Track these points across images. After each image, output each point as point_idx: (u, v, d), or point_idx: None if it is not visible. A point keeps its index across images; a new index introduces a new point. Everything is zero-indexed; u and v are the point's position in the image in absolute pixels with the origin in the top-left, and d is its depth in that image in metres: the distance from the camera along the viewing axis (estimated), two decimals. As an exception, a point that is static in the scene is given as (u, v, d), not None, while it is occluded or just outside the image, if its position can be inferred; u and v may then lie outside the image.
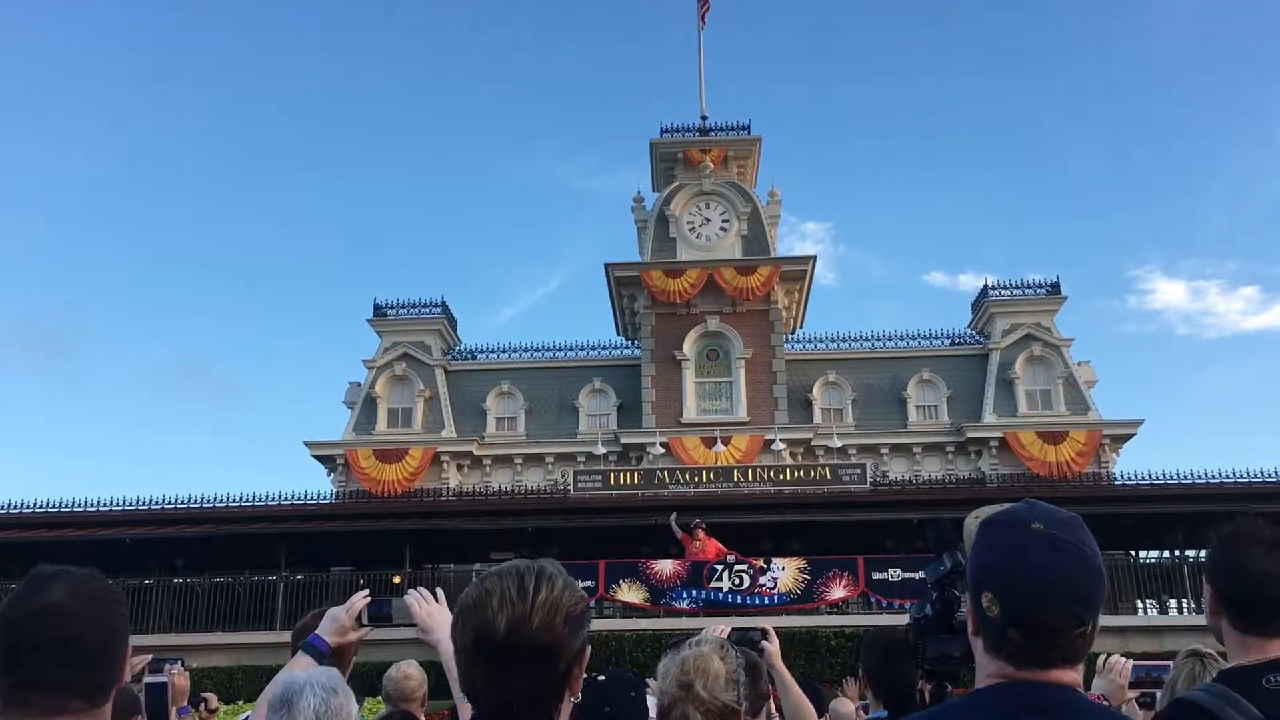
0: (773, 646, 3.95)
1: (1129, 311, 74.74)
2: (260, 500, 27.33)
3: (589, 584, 22.34)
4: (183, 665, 4.68)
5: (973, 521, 2.29)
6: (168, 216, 78.12)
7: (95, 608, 1.86)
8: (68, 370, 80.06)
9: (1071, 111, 74.76)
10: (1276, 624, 2.60)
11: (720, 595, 22.46)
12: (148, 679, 3.92)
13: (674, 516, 22.65)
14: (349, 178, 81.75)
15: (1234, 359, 78.48)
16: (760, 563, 23.01)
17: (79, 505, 27.05)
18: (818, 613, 22.60)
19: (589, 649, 1.91)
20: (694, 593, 22.57)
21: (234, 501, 27.30)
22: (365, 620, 2.93)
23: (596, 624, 22.03)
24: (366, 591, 3.00)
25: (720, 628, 3.45)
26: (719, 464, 29.95)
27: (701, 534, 22.69)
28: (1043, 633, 1.70)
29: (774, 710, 4.30)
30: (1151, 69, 76.48)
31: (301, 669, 2.84)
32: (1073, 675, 1.74)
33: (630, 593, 22.88)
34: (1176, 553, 25.56)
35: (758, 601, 22.38)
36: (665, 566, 23.01)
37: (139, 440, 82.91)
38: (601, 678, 2.95)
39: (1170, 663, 4.03)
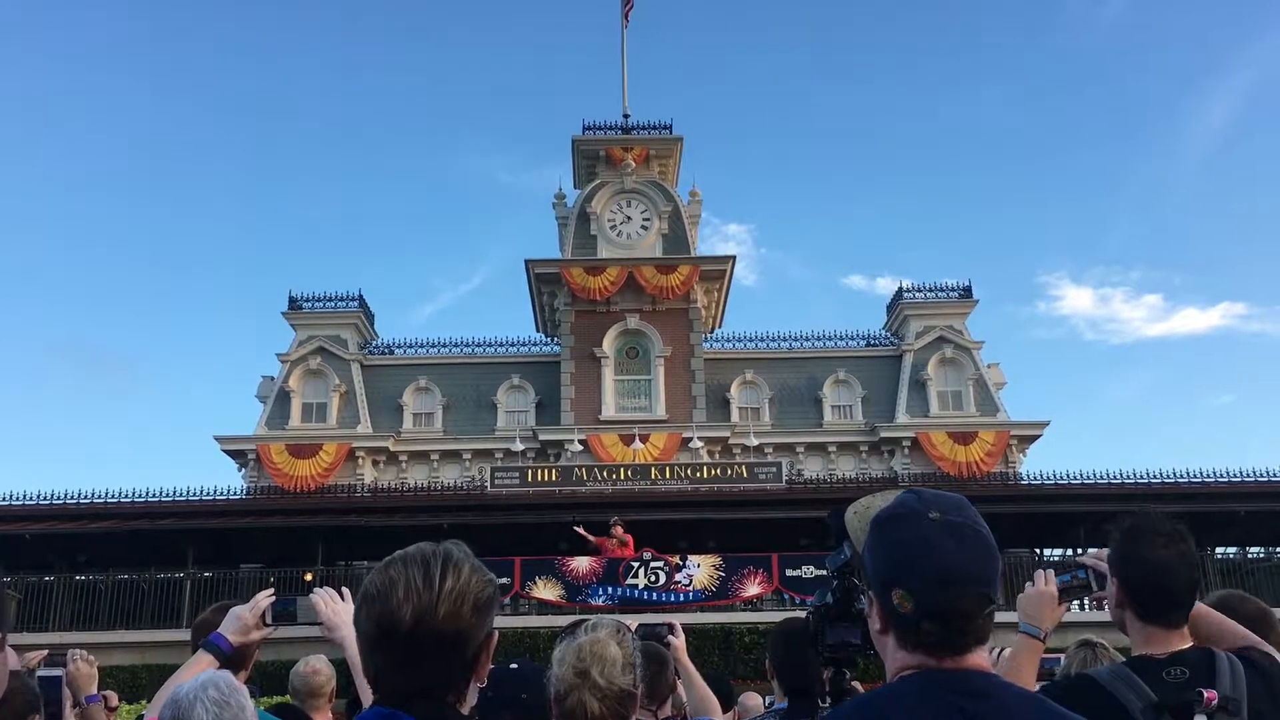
0: (678, 641, 4.00)
1: (1038, 316, 76.60)
2: (168, 496, 26.63)
3: (504, 581, 22.25)
4: (86, 653, 4.56)
5: (854, 517, 2.27)
6: (79, 206, 75.78)
7: None
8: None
9: (986, 118, 76.37)
10: (1178, 615, 2.68)
11: (636, 592, 22.56)
12: (41, 672, 3.81)
13: (578, 526, 22.59)
14: (267, 169, 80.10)
15: (1136, 364, 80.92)
16: (676, 560, 23.16)
17: (-25, 500, 26.11)
18: (732, 609, 22.81)
19: (496, 635, 1.89)
20: (610, 590, 22.62)
21: (140, 497, 26.54)
22: (269, 620, 2.90)
23: (512, 621, 21.95)
24: (271, 590, 2.98)
25: (629, 623, 3.48)
26: (637, 461, 30.03)
27: (619, 531, 22.75)
28: (958, 620, 1.71)
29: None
30: (1061, 77, 78.55)
31: (201, 668, 2.78)
32: (985, 657, 1.76)
33: (546, 590, 22.85)
34: (1079, 550, 26.30)
35: (673, 599, 22.53)
36: (581, 564, 23.03)
37: (31, 430, 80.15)
38: (515, 665, 2.99)
39: (1062, 656, 4.18)
